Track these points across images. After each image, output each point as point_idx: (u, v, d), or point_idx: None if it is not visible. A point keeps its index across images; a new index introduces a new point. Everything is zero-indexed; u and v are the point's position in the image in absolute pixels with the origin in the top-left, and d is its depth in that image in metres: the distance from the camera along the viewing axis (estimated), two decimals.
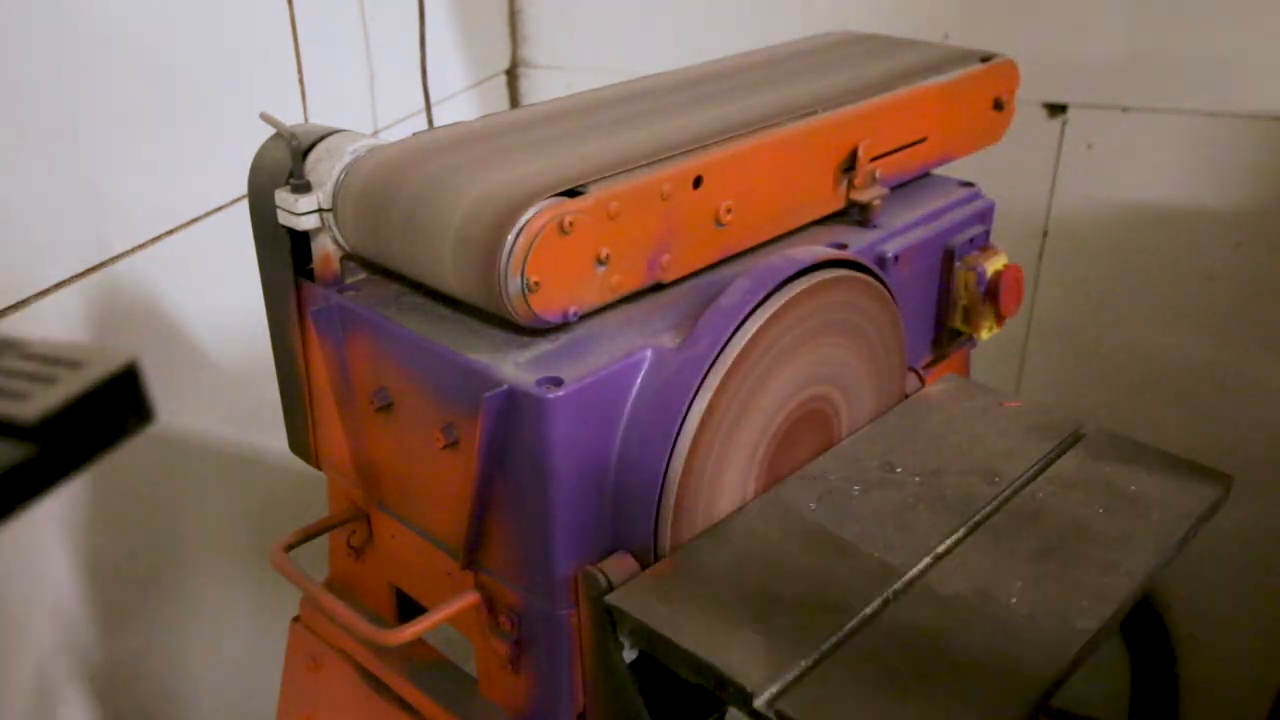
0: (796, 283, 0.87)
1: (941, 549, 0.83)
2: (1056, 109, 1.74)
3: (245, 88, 1.40)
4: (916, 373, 1.07)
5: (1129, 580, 0.80)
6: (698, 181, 0.87)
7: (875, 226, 1.05)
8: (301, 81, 1.51)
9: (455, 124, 0.95)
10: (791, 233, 1.01)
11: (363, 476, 0.96)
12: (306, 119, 1.53)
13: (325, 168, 0.88)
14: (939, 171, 1.19)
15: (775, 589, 0.79)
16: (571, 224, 0.77)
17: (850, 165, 1.02)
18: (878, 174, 1.04)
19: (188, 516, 1.41)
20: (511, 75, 2.19)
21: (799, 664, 0.72)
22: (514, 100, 2.21)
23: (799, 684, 0.71)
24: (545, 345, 0.82)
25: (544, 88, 2.17)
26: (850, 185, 1.03)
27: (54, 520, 1.19)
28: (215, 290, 1.36)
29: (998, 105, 1.18)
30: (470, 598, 0.88)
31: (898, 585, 0.79)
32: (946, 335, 1.14)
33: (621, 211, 0.81)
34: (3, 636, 1.16)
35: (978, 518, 0.86)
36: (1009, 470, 0.92)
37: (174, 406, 1.33)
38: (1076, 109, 1.72)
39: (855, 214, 1.05)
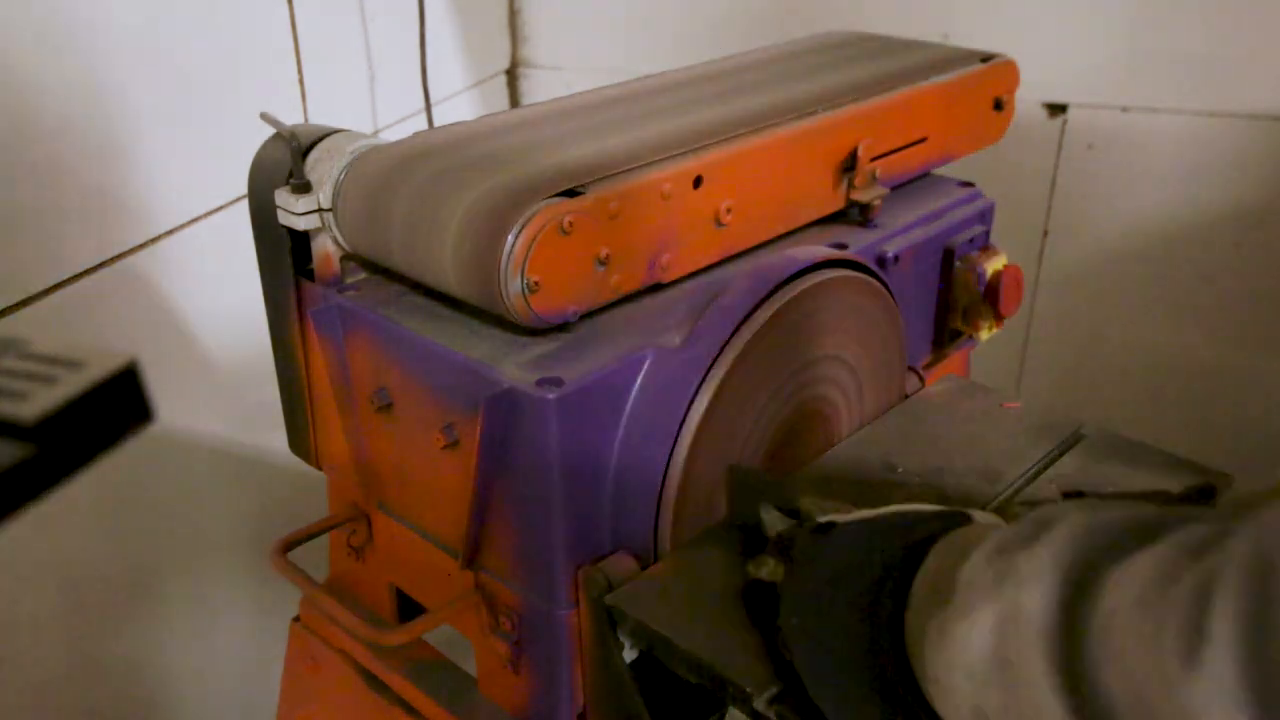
0: (796, 282, 0.87)
1: None
2: (1056, 109, 1.73)
3: (245, 88, 1.40)
4: (916, 373, 1.07)
5: None
6: (698, 181, 0.87)
7: (875, 226, 1.05)
8: (301, 81, 1.51)
9: (455, 124, 0.95)
10: (791, 233, 1.01)
11: (363, 476, 0.96)
12: (306, 119, 1.53)
13: (325, 168, 0.88)
14: (939, 171, 1.19)
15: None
16: (571, 224, 0.77)
17: (850, 165, 1.02)
18: (878, 174, 1.04)
19: (188, 516, 1.41)
20: (511, 75, 2.19)
21: None
22: (514, 100, 2.20)
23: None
24: (545, 345, 0.82)
25: (544, 88, 2.17)
26: (850, 185, 1.03)
27: (54, 521, 1.19)
28: (215, 290, 1.36)
29: (998, 105, 1.18)
30: (470, 598, 0.88)
31: None
32: (946, 335, 1.14)
33: (621, 211, 0.81)
34: (3, 637, 1.16)
35: None
36: (1009, 470, 0.92)
37: (174, 406, 1.33)
38: (1076, 109, 1.72)
39: (855, 214, 1.05)
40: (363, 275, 0.95)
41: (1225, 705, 0.40)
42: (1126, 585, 0.46)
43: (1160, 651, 0.43)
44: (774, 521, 0.76)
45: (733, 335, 0.83)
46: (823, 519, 0.69)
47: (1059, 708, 0.47)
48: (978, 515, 0.65)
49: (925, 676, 0.57)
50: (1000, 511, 0.78)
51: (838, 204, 1.03)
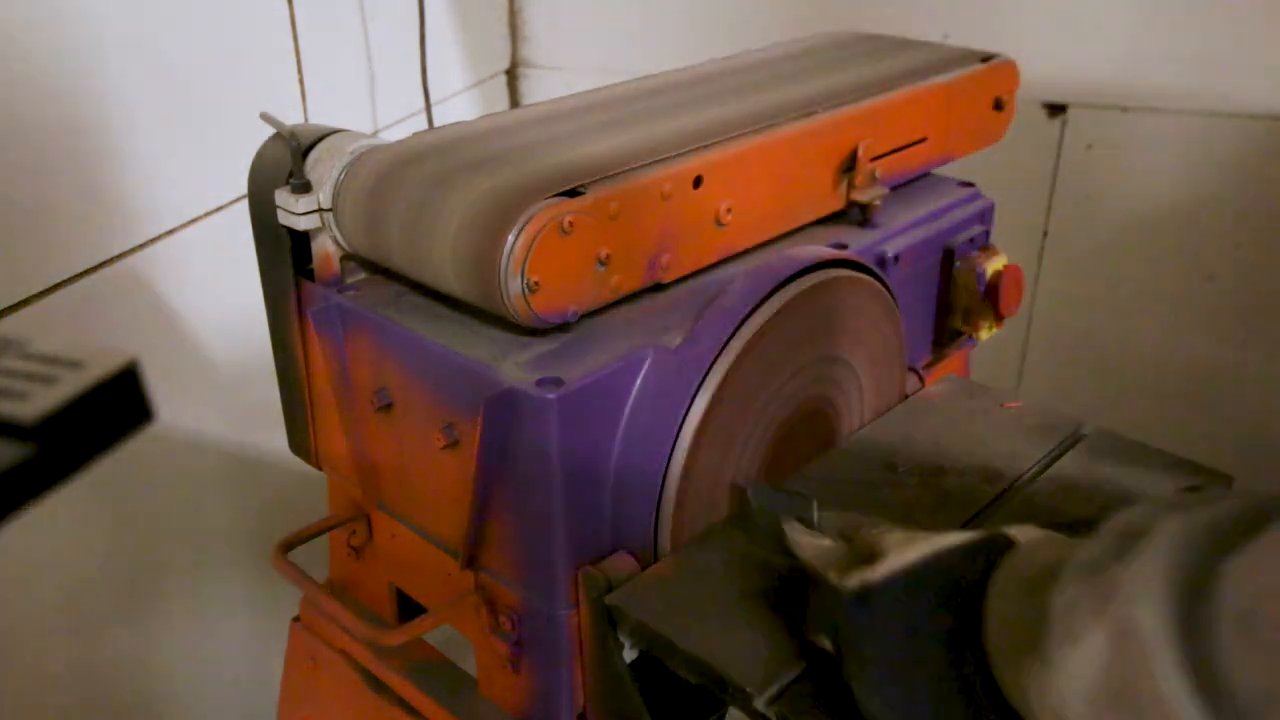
0: (796, 283, 0.87)
1: None
2: (1056, 109, 1.73)
3: (245, 88, 1.40)
4: (916, 373, 1.07)
5: None
6: (698, 181, 0.87)
7: (875, 226, 1.05)
8: (301, 81, 1.51)
9: (455, 124, 0.95)
10: (791, 233, 1.01)
11: (363, 476, 0.96)
12: (306, 119, 1.53)
13: (325, 168, 0.88)
14: (939, 171, 1.19)
15: (776, 589, 0.79)
16: (571, 224, 0.77)
17: (850, 165, 1.02)
18: (878, 174, 1.04)
19: (188, 516, 1.41)
20: (511, 75, 2.19)
21: (799, 664, 0.72)
22: (514, 100, 2.20)
23: (799, 684, 0.71)
24: (545, 345, 0.82)
25: (544, 88, 2.17)
26: (850, 185, 1.03)
27: (54, 520, 1.19)
28: (215, 290, 1.36)
29: (998, 105, 1.18)
30: (470, 598, 0.88)
31: None
32: (946, 335, 1.14)
33: (621, 211, 0.81)
34: (4, 636, 1.16)
35: (978, 518, 0.86)
36: (1009, 470, 0.92)
37: (174, 406, 1.33)
38: (1076, 109, 1.72)
39: (855, 214, 1.05)
40: (363, 275, 0.95)
41: None
42: (1260, 574, 0.43)
43: None
44: (802, 544, 0.71)
45: (733, 335, 0.83)
46: (858, 584, 0.63)
47: (1196, 715, 0.44)
48: (1016, 533, 0.61)
49: None
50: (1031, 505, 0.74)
51: (838, 204, 1.03)
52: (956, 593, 0.58)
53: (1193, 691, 0.45)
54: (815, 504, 0.75)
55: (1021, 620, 0.54)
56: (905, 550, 0.62)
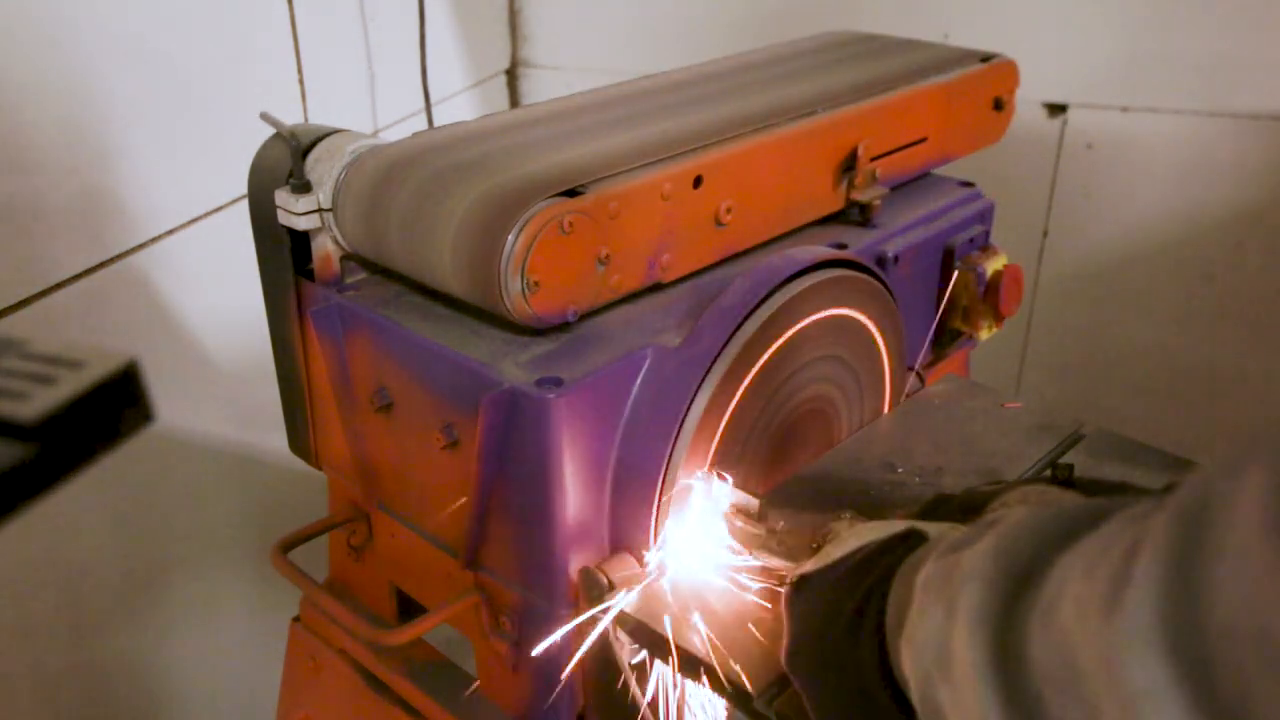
0: (796, 282, 0.87)
1: None
2: (1056, 109, 1.74)
3: (245, 88, 1.40)
4: (917, 373, 1.07)
5: None
6: (698, 181, 0.87)
7: (875, 226, 1.05)
8: (301, 81, 1.51)
9: (455, 124, 0.95)
10: (791, 233, 1.01)
11: (363, 476, 0.96)
12: (306, 119, 1.53)
13: (325, 168, 0.88)
14: (939, 171, 1.19)
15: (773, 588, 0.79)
16: (571, 224, 0.77)
17: (850, 165, 1.02)
18: (878, 174, 1.04)
19: (188, 516, 1.41)
20: (511, 75, 2.19)
21: None
22: (514, 100, 2.21)
23: None
24: (545, 345, 0.82)
25: (544, 88, 2.17)
26: (850, 185, 1.03)
27: (54, 520, 1.19)
28: (215, 290, 1.36)
29: (998, 105, 1.18)
30: (470, 598, 0.88)
31: None
32: (946, 335, 1.14)
33: (621, 211, 0.81)
34: (4, 635, 1.16)
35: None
36: (1009, 470, 0.92)
37: (174, 406, 1.33)
38: (1076, 109, 1.72)
39: (855, 214, 1.05)
40: (363, 275, 0.95)
41: (1141, 644, 0.38)
42: (1071, 564, 0.46)
43: (1087, 605, 0.42)
44: (737, 530, 0.80)
45: (733, 335, 0.83)
46: (798, 573, 0.70)
47: (986, 691, 0.47)
48: (931, 530, 0.66)
49: (909, 689, 0.58)
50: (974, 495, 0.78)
51: (838, 204, 1.03)
52: (871, 583, 0.64)
53: (990, 663, 0.48)
54: (761, 501, 0.80)
55: (902, 599, 0.59)
56: (840, 545, 0.68)
